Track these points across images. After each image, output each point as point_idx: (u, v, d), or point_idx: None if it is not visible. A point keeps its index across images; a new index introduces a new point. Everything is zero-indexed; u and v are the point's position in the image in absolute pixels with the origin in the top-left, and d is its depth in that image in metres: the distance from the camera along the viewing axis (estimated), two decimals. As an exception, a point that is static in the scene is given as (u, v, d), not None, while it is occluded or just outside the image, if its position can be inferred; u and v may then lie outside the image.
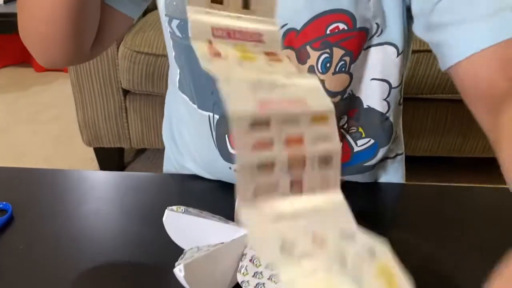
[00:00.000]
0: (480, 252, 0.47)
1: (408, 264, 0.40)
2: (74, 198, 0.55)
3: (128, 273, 0.44)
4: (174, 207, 0.44)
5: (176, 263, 0.39)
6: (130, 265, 0.45)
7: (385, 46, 0.49)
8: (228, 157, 0.56)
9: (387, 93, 0.52)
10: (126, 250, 0.47)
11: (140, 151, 1.75)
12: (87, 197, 0.55)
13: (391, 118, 0.54)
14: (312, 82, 0.21)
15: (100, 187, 0.57)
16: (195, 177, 0.60)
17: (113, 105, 1.41)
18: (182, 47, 0.52)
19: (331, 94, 0.50)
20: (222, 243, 0.42)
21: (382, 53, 0.50)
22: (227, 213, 0.46)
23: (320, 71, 0.49)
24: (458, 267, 0.46)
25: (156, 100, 1.40)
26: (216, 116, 0.54)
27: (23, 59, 2.53)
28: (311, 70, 0.49)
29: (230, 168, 0.56)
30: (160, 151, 1.72)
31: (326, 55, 0.48)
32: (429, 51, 1.37)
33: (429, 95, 1.36)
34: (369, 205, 0.56)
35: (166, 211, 0.44)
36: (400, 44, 0.49)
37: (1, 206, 0.52)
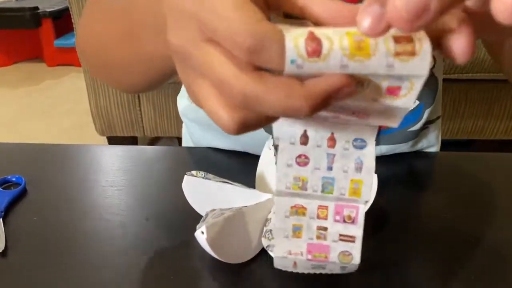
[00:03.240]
0: None
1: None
2: (87, 171, 0.53)
3: (145, 244, 0.42)
4: (194, 172, 0.42)
5: (198, 226, 0.37)
6: (147, 235, 0.43)
7: None
8: (268, 127, 0.53)
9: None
10: (142, 221, 0.44)
11: (154, 140, 1.73)
12: (100, 170, 0.53)
13: (436, 74, 0.51)
14: None
15: (114, 161, 0.55)
16: (213, 150, 0.58)
17: (126, 93, 1.40)
18: None
19: None
20: (245, 206, 0.40)
21: None
22: (248, 183, 0.44)
23: None
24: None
25: (170, 87, 1.38)
26: None
27: (35, 54, 2.54)
28: None
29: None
30: (174, 139, 1.71)
31: None
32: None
33: (449, 76, 1.32)
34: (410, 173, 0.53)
35: (185, 176, 0.42)
36: None
37: (14, 179, 0.50)
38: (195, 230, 0.37)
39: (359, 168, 0.27)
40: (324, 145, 0.26)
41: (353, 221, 0.28)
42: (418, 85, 0.22)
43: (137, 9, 0.33)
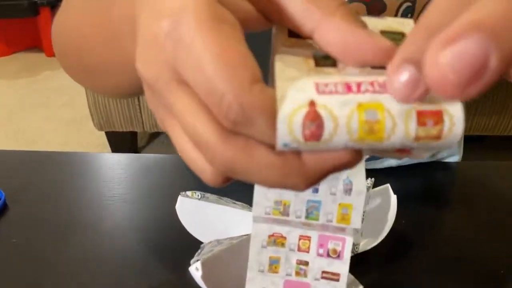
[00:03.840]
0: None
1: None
2: (71, 183, 0.48)
3: (136, 270, 0.37)
4: (189, 192, 0.37)
5: (192, 260, 0.32)
6: (139, 258, 0.38)
7: None
8: None
9: None
10: (136, 240, 0.40)
11: (154, 135, 1.69)
12: (86, 182, 0.49)
13: None
14: None
15: (104, 171, 0.51)
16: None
17: (124, 86, 1.35)
18: None
19: None
20: (246, 234, 0.35)
21: None
22: (250, 195, 0.39)
23: None
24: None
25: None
26: None
27: (34, 44, 2.49)
28: None
29: None
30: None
31: (408, 3, 0.41)
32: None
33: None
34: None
35: (180, 197, 0.37)
36: None
37: (-8, 193, 0.45)
38: (191, 255, 0.33)
39: (348, 190, 0.24)
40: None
41: (338, 255, 0.25)
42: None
43: (114, 10, 0.28)
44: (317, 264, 0.25)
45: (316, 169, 0.16)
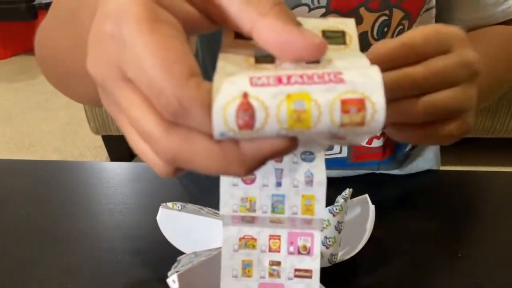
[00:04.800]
0: None
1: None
2: (55, 191, 0.49)
3: (120, 280, 0.38)
4: (169, 204, 0.38)
5: (170, 273, 0.32)
6: (122, 270, 0.39)
7: (432, 9, 0.42)
8: None
9: None
10: (117, 257, 0.40)
11: (151, 138, 1.69)
12: (71, 192, 0.49)
13: None
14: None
15: (87, 180, 0.51)
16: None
17: (120, 90, 1.36)
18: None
19: None
20: (225, 246, 0.36)
21: (429, 17, 0.43)
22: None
23: (376, 37, 0.42)
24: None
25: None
26: None
27: (32, 47, 2.49)
28: (363, 36, 0.41)
29: None
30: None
31: (384, 17, 0.42)
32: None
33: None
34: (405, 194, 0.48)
35: (160, 208, 0.38)
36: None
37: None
38: (173, 264, 0.33)
39: (309, 182, 0.24)
40: (271, 160, 0.23)
41: (308, 251, 0.26)
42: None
43: (81, 15, 0.29)
44: (289, 262, 0.26)
45: (254, 156, 0.18)
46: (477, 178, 0.52)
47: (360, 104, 0.17)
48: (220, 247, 0.35)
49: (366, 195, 0.39)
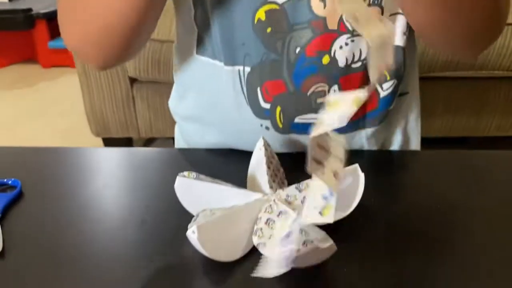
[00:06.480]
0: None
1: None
2: (83, 174, 0.54)
3: (141, 245, 0.43)
4: (186, 173, 0.43)
5: (189, 225, 0.38)
6: (144, 236, 0.44)
7: None
8: (260, 113, 0.54)
9: (406, 26, 0.51)
10: (138, 223, 0.45)
11: (149, 141, 1.74)
12: (95, 173, 0.54)
13: (406, 50, 0.53)
14: None
15: (109, 163, 0.56)
16: (205, 151, 0.59)
17: (120, 94, 1.41)
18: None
19: None
20: (236, 206, 0.41)
21: None
22: (240, 184, 0.45)
23: None
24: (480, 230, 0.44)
25: (163, 88, 1.39)
26: (247, 69, 0.51)
27: (30, 56, 2.54)
28: None
29: (261, 125, 0.54)
30: (169, 140, 1.72)
31: None
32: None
33: (440, 73, 1.33)
34: (389, 173, 0.54)
35: (178, 177, 0.43)
36: None
37: (10, 182, 0.51)
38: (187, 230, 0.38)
39: None
40: None
41: None
42: None
43: None
44: None
45: None
46: (459, 158, 0.58)
47: None
48: (234, 206, 0.41)
49: (357, 165, 0.45)
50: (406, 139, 0.61)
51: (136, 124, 1.46)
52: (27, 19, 2.31)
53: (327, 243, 0.35)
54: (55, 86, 2.30)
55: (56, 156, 0.58)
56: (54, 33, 2.43)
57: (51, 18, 2.37)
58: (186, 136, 0.64)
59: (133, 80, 1.40)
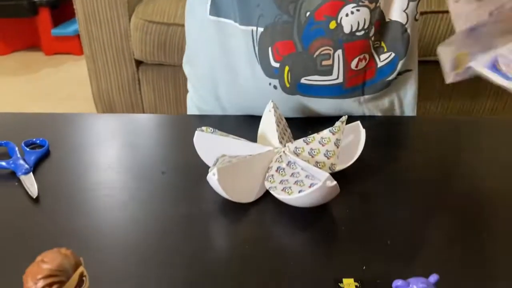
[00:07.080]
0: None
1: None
2: (104, 135, 0.58)
3: (163, 193, 0.47)
4: (204, 128, 0.48)
5: (210, 169, 0.42)
6: (164, 184, 0.48)
7: None
8: (269, 71, 0.58)
9: (406, 4, 0.55)
10: (158, 174, 0.50)
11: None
12: (115, 134, 0.59)
13: (409, 30, 0.57)
14: None
15: (128, 126, 0.61)
16: (218, 117, 0.63)
17: (126, 76, 1.45)
18: None
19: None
20: (250, 155, 0.46)
21: None
22: (251, 141, 0.50)
23: None
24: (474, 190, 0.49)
25: (168, 70, 1.43)
26: (260, 29, 0.55)
27: (33, 43, 2.57)
28: None
29: (269, 84, 0.58)
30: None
31: None
32: (436, 12, 1.38)
33: (436, 57, 1.37)
34: (389, 136, 0.59)
35: (196, 132, 0.47)
36: None
37: (38, 141, 0.55)
38: (205, 179, 0.43)
39: None
40: None
41: None
42: None
43: None
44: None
45: None
46: (448, 123, 0.62)
47: None
48: (249, 155, 0.45)
49: (358, 122, 0.49)
50: (402, 111, 0.65)
51: (142, 105, 1.51)
52: (31, 6, 2.34)
53: (332, 183, 0.40)
54: (58, 73, 2.33)
55: (79, 120, 0.62)
56: (57, 20, 2.46)
57: (54, 5, 2.40)
58: (197, 102, 0.68)
59: (139, 63, 1.44)
